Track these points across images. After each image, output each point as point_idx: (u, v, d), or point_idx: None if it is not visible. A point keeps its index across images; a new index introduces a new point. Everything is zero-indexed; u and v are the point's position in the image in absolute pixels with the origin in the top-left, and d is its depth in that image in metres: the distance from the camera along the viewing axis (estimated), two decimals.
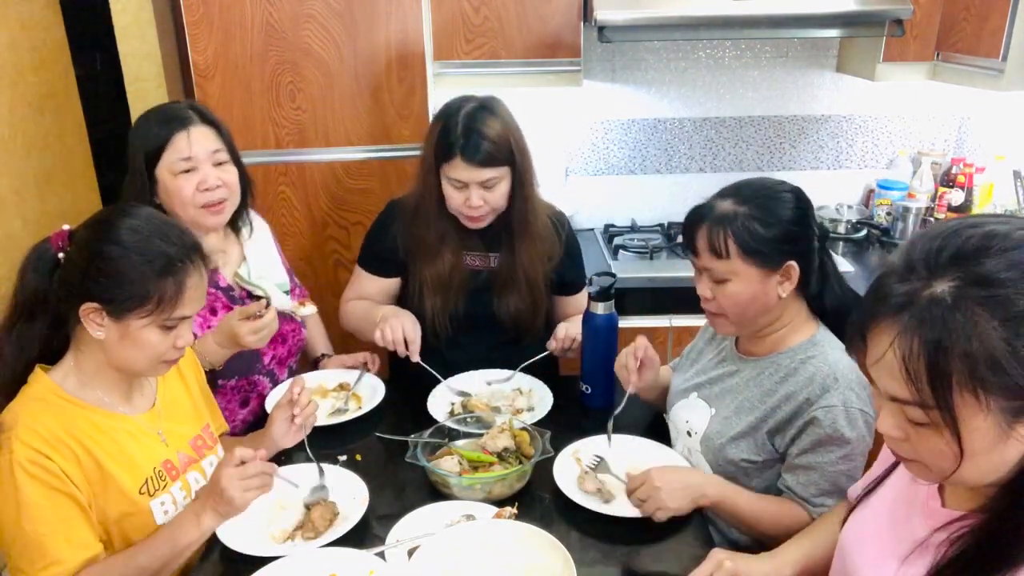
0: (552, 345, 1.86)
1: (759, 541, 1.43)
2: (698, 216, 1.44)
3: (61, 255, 1.28)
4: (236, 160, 1.76)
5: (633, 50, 2.87)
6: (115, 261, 1.23)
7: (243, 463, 1.28)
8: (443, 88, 2.49)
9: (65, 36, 2.70)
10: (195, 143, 1.66)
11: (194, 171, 1.67)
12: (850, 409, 1.35)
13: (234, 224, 1.84)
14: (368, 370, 1.91)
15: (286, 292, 1.90)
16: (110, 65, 2.95)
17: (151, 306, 1.24)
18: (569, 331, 1.84)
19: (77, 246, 1.27)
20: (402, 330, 1.77)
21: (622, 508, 1.42)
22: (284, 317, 1.86)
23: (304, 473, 1.49)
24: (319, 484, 1.48)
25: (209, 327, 1.72)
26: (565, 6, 2.45)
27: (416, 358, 1.78)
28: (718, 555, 1.20)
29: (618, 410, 1.60)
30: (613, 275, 1.77)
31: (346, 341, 2.13)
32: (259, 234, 1.91)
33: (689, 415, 1.57)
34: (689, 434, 1.55)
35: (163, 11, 2.83)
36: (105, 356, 1.30)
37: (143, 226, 1.27)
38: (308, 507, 1.42)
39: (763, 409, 1.44)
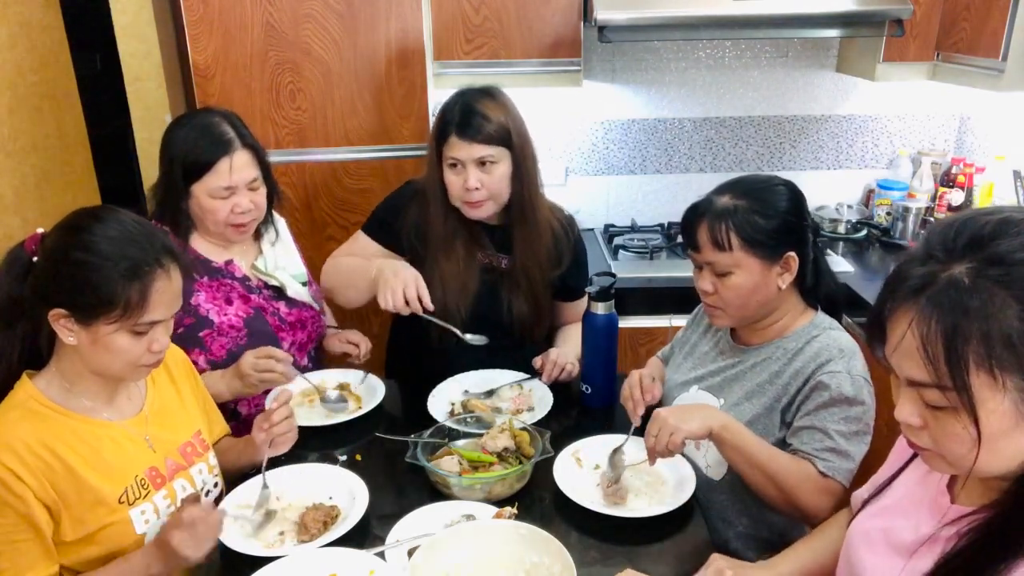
0: (537, 364, 1.83)
1: (765, 518, 1.42)
2: (697, 212, 1.46)
3: (35, 259, 1.26)
4: (267, 175, 1.80)
5: (633, 50, 2.87)
6: (80, 266, 1.21)
7: (192, 523, 1.23)
8: (443, 88, 2.48)
9: (65, 36, 2.70)
10: (236, 171, 1.71)
11: (231, 196, 1.72)
12: (854, 375, 1.39)
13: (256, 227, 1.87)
14: (361, 363, 1.92)
15: (303, 284, 1.92)
16: (110, 65, 2.95)
17: (118, 312, 1.21)
18: (560, 358, 1.81)
19: (46, 251, 1.25)
20: (403, 290, 1.69)
21: (622, 508, 1.42)
22: (304, 306, 1.90)
23: (296, 477, 1.50)
24: (261, 497, 1.44)
25: (225, 315, 1.76)
26: (565, 6, 2.45)
27: (429, 305, 1.72)
28: (718, 562, 1.19)
29: (625, 442, 1.55)
30: (613, 275, 1.77)
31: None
32: (277, 227, 1.95)
33: None
34: None
35: (163, 11, 2.83)
36: (82, 362, 1.28)
37: (111, 231, 1.23)
38: (268, 515, 1.42)
39: (774, 390, 1.46)
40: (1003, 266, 0.80)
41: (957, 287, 0.81)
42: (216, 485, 1.49)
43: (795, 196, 1.46)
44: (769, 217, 1.41)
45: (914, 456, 1.07)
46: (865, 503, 1.13)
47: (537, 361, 1.84)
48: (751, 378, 1.51)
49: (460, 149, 1.77)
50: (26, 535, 1.22)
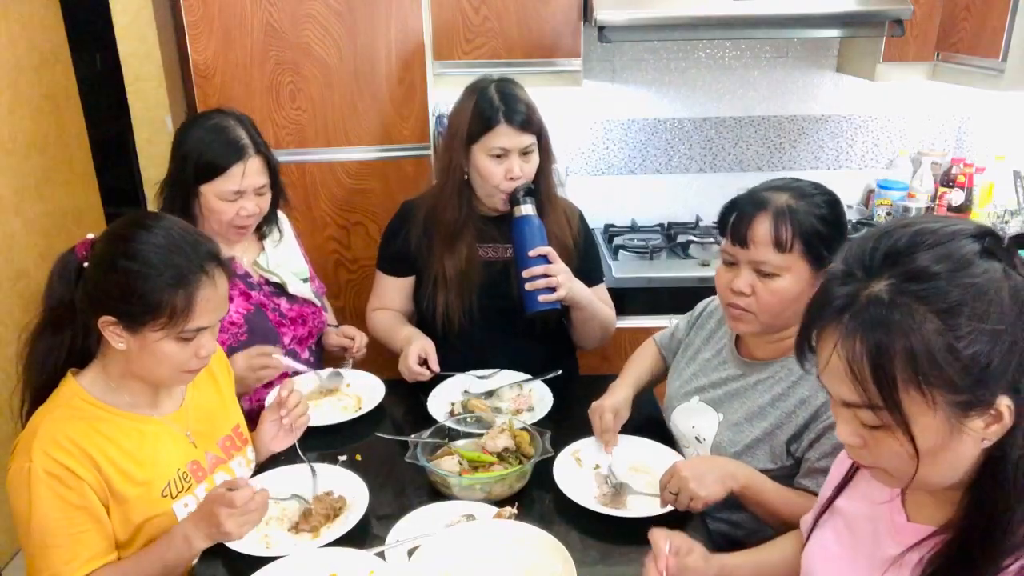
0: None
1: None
2: (755, 204, 1.38)
3: (86, 264, 1.29)
4: (275, 180, 1.82)
5: (633, 50, 2.87)
6: (127, 275, 1.24)
7: (239, 494, 1.25)
8: (443, 88, 2.48)
9: (65, 36, 2.70)
10: (248, 177, 1.73)
11: (238, 199, 1.74)
12: None
13: (260, 227, 1.89)
14: (352, 356, 1.93)
15: (304, 280, 1.95)
16: (110, 65, 2.96)
17: (164, 319, 1.24)
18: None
19: (95, 259, 1.28)
20: (408, 366, 1.79)
21: (622, 508, 1.42)
22: (305, 302, 1.92)
23: (299, 475, 1.50)
24: (312, 487, 1.47)
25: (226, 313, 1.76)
26: (565, 6, 2.45)
27: (437, 368, 1.81)
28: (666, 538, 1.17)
29: (611, 464, 1.55)
30: (531, 186, 1.82)
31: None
32: (281, 227, 1.97)
33: (695, 420, 1.55)
34: (699, 439, 1.54)
35: (163, 11, 2.83)
36: (128, 366, 1.31)
37: (158, 239, 1.26)
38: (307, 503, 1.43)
39: (777, 415, 1.42)
40: (921, 280, 0.80)
41: (878, 305, 0.80)
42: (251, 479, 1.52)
43: (840, 206, 1.42)
44: (828, 224, 1.36)
45: (856, 469, 1.06)
46: (815, 522, 1.11)
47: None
48: (753, 398, 1.47)
49: (510, 137, 1.79)
50: (86, 525, 1.25)
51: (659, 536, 1.16)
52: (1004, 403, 0.79)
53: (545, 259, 1.78)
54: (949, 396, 0.79)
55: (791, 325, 1.43)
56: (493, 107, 1.79)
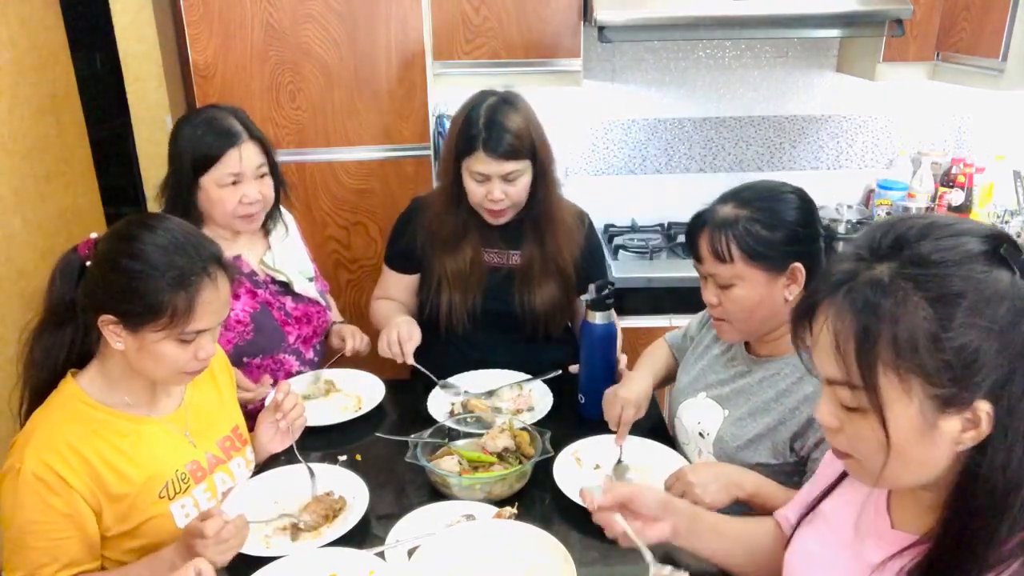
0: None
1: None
2: (700, 222, 1.43)
3: (88, 263, 1.29)
4: (273, 168, 1.82)
5: (633, 50, 2.87)
6: (129, 275, 1.23)
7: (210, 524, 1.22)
8: (443, 88, 2.49)
9: (65, 36, 2.70)
10: (244, 160, 1.74)
11: (239, 184, 1.75)
12: None
13: (264, 222, 1.89)
14: (349, 356, 1.93)
15: (309, 279, 1.95)
16: (110, 65, 2.96)
17: (164, 320, 1.24)
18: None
19: (97, 258, 1.28)
20: (388, 339, 1.78)
21: None
22: (310, 301, 1.93)
23: (298, 475, 1.50)
24: (311, 488, 1.47)
25: (231, 310, 1.76)
26: (565, 6, 2.45)
27: (410, 360, 1.78)
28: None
29: (621, 457, 1.56)
30: (611, 282, 1.74)
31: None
32: (286, 221, 1.98)
33: (700, 416, 1.55)
34: (702, 435, 1.53)
35: (163, 11, 2.83)
36: (129, 365, 1.31)
37: (161, 240, 1.26)
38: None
39: (780, 411, 1.42)
40: (922, 266, 0.80)
41: (874, 286, 0.81)
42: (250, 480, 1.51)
43: (804, 204, 1.42)
44: (773, 228, 1.37)
45: (846, 473, 1.05)
46: (799, 523, 1.10)
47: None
48: (758, 394, 1.47)
49: (488, 165, 1.76)
50: (68, 533, 1.25)
51: (584, 492, 1.16)
52: (984, 408, 0.78)
53: (611, 371, 1.73)
54: (927, 387, 0.79)
55: (776, 327, 1.45)
56: (475, 131, 1.76)
